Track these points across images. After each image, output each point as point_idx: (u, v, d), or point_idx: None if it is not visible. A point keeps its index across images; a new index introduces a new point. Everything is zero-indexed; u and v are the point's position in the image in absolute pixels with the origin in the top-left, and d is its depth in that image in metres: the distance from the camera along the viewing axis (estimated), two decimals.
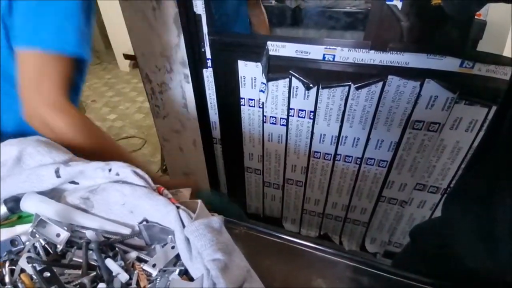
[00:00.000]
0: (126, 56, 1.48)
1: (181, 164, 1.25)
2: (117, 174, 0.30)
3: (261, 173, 1.13)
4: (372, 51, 0.74)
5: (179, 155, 1.23)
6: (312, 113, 0.90)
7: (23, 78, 0.41)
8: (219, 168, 1.21)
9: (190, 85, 1.00)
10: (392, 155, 0.89)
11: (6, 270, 0.28)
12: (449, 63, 0.70)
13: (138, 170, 0.31)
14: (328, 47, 0.78)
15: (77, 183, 0.31)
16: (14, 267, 0.28)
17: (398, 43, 0.71)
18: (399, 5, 0.67)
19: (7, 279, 0.28)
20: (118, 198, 0.29)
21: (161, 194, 0.30)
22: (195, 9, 0.85)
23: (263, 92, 0.91)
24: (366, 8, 1.17)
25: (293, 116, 0.94)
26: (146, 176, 0.31)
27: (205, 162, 1.17)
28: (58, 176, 0.30)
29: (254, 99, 0.96)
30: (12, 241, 0.32)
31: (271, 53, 0.85)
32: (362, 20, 1.15)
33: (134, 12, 0.89)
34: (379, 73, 0.76)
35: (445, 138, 0.80)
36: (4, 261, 0.31)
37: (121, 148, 0.50)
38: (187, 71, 0.97)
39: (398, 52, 0.72)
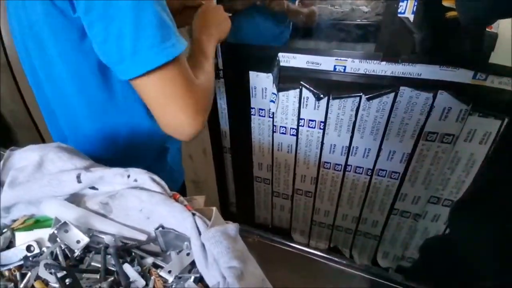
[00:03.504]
0: None
1: (191, 172, 1.26)
2: (135, 180, 0.31)
3: (270, 183, 1.12)
4: (384, 62, 0.74)
5: (189, 163, 1.24)
6: (322, 124, 0.90)
7: (158, 100, 0.39)
8: (228, 177, 1.21)
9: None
10: (404, 166, 0.87)
11: (19, 276, 0.28)
12: (462, 75, 0.70)
13: (156, 177, 0.31)
14: (339, 58, 0.79)
15: (97, 189, 0.32)
16: (29, 273, 0.29)
17: (410, 54, 0.71)
18: (411, 17, 0.67)
19: (21, 286, 0.28)
20: (136, 204, 0.29)
21: (177, 201, 0.30)
22: None
23: (274, 102, 0.92)
24: (377, 20, 1.18)
25: (303, 126, 0.94)
26: (163, 182, 0.31)
27: (214, 171, 1.17)
28: (79, 182, 0.31)
29: (264, 109, 0.97)
30: (28, 247, 0.32)
31: (282, 64, 0.86)
32: (373, 32, 1.16)
33: None
34: (390, 84, 0.76)
35: (460, 150, 0.79)
36: (21, 266, 0.31)
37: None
38: None
39: (410, 64, 0.72)
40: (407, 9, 0.66)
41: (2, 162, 0.36)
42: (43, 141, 1.59)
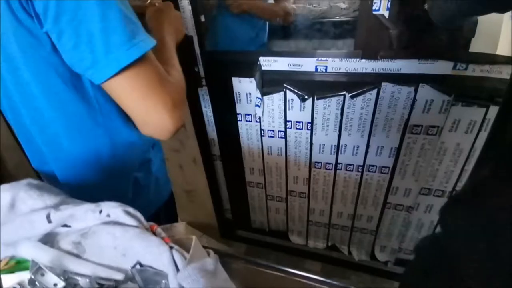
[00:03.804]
0: None
1: (182, 182, 1.25)
2: (108, 215, 0.29)
3: (263, 186, 1.12)
4: (364, 60, 0.74)
5: (180, 173, 1.22)
6: (309, 124, 0.90)
7: (134, 98, 0.39)
8: (221, 184, 1.20)
9: (186, 104, 1.00)
10: (393, 160, 0.88)
11: None
12: (441, 67, 0.70)
13: (130, 209, 0.30)
14: (320, 58, 0.78)
15: (69, 226, 0.31)
16: None
17: (388, 50, 0.71)
18: (386, 14, 0.67)
19: None
20: (110, 241, 0.28)
21: (154, 233, 0.29)
22: (186, 31, 0.85)
23: (259, 106, 0.91)
24: (355, 16, 1.18)
25: (290, 128, 0.93)
26: (138, 214, 0.30)
27: (206, 179, 1.16)
28: (50, 221, 0.30)
29: (250, 114, 0.96)
30: None
31: (263, 68, 0.85)
32: (352, 29, 1.16)
33: None
34: (372, 81, 0.76)
35: (446, 140, 0.79)
36: None
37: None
38: None
39: (390, 60, 0.72)
40: (382, 6, 0.66)
41: None
42: (29, 161, 1.56)
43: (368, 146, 0.87)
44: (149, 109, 0.39)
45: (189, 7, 0.81)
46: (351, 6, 1.17)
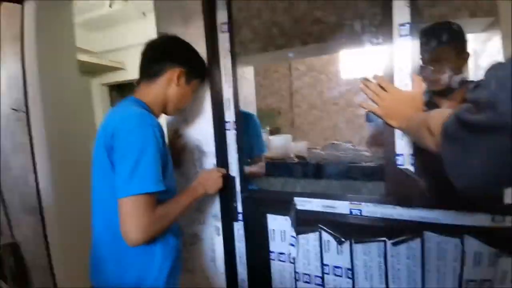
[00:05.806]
0: None
1: None
2: None
3: None
4: (398, 207, 0.76)
5: None
6: (349, 271, 0.83)
7: (124, 216, 0.64)
8: None
9: (221, 237, 1.02)
10: None
11: None
12: (481, 218, 0.69)
13: None
14: (353, 202, 0.81)
15: None
16: None
17: (421, 199, 0.73)
18: (411, 168, 0.74)
19: None
20: None
21: None
22: (230, 172, 0.99)
23: (294, 246, 0.89)
24: (381, 163, 1.30)
25: (328, 273, 0.86)
26: None
27: None
28: None
29: (284, 253, 0.93)
30: None
31: (298, 207, 0.89)
32: (380, 173, 1.25)
33: (179, 175, 1.05)
34: (413, 229, 0.75)
35: None
36: None
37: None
38: (219, 224, 1.01)
39: (426, 209, 0.73)
40: (405, 161, 0.74)
41: None
42: (54, 283, 1.50)
43: None
44: (127, 228, 0.64)
45: (236, 155, 0.98)
46: (375, 154, 1.32)
